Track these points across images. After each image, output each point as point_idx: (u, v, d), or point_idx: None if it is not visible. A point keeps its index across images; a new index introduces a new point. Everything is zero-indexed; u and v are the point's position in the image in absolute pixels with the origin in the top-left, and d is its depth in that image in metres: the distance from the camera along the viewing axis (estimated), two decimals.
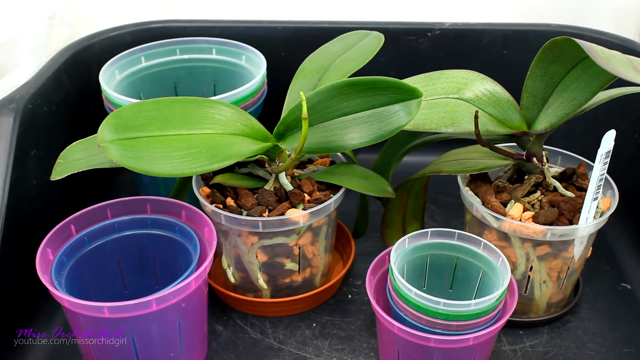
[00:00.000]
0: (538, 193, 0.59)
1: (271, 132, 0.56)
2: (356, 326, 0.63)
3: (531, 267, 0.58)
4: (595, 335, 0.62)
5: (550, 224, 0.56)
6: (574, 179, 0.61)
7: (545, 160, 0.59)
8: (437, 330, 0.50)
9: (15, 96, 0.64)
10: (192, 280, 0.50)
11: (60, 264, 0.53)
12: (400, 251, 0.55)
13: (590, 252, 0.61)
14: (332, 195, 0.59)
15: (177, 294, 0.49)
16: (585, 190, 0.58)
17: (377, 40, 0.63)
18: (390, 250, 0.54)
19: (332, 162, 0.65)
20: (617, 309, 0.65)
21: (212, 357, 0.59)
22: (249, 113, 0.56)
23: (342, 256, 0.71)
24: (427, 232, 0.56)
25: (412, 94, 0.52)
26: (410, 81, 0.58)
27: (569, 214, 0.57)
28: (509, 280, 0.51)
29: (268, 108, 0.74)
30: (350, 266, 0.67)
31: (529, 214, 0.57)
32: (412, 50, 0.84)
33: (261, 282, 0.61)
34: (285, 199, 0.58)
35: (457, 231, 0.56)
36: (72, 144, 0.56)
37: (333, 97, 0.53)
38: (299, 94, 0.59)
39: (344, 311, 0.65)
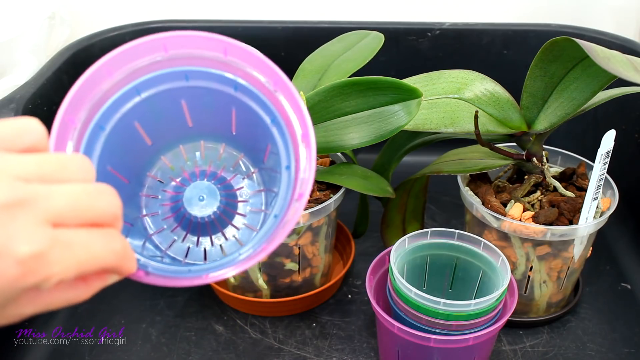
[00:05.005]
0: (538, 193, 0.59)
1: None
2: (356, 326, 0.63)
3: (531, 267, 0.58)
4: (595, 335, 0.62)
5: (550, 224, 0.56)
6: (574, 179, 0.61)
7: (545, 160, 0.59)
8: (437, 330, 0.50)
9: (15, 96, 0.64)
10: None
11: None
12: (400, 251, 0.55)
13: (590, 252, 0.61)
14: (332, 195, 0.59)
15: None
16: (585, 190, 0.58)
17: (377, 40, 0.63)
18: (390, 250, 0.54)
19: (332, 162, 0.65)
20: (617, 309, 0.65)
21: (212, 357, 0.59)
22: None
23: (342, 256, 0.71)
24: (427, 232, 0.56)
25: (412, 94, 0.52)
26: (410, 81, 0.58)
27: (569, 214, 0.57)
28: (509, 280, 0.51)
29: None
30: (350, 266, 0.67)
31: (529, 213, 0.57)
32: (412, 50, 0.84)
33: (261, 282, 0.61)
34: None
35: (457, 231, 0.56)
36: None
37: (333, 97, 0.53)
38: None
39: (344, 311, 0.65)
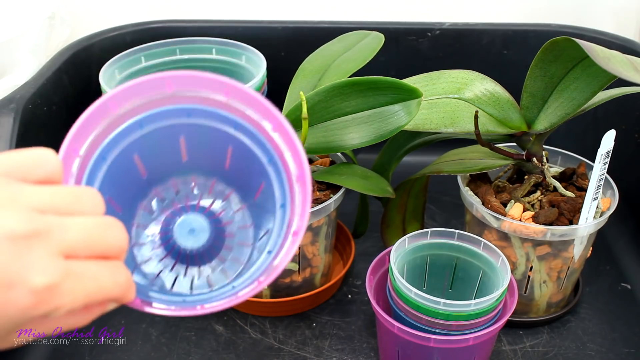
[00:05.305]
0: (538, 193, 0.59)
1: None
2: (356, 326, 0.63)
3: (531, 267, 0.58)
4: (595, 335, 0.62)
5: (550, 224, 0.56)
6: (574, 179, 0.61)
7: (545, 160, 0.59)
8: (437, 330, 0.50)
9: (15, 96, 0.64)
10: None
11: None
12: (400, 251, 0.55)
13: (590, 252, 0.61)
14: (332, 195, 0.59)
15: None
16: (585, 190, 0.58)
17: (377, 40, 0.63)
18: (390, 250, 0.54)
19: (332, 162, 0.65)
20: (617, 309, 0.65)
21: (212, 357, 0.59)
22: None
23: (342, 256, 0.71)
24: (427, 232, 0.56)
25: (412, 94, 0.52)
26: (410, 81, 0.58)
27: (569, 214, 0.57)
28: (509, 280, 0.51)
29: None
30: (350, 266, 0.67)
31: (529, 214, 0.57)
32: (412, 50, 0.84)
33: None
34: None
35: (457, 231, 0.56)
36: None
37: (333, 97, 0.53)
38: (299, 93, 0.59)
39: (344, 311, 0.65)
